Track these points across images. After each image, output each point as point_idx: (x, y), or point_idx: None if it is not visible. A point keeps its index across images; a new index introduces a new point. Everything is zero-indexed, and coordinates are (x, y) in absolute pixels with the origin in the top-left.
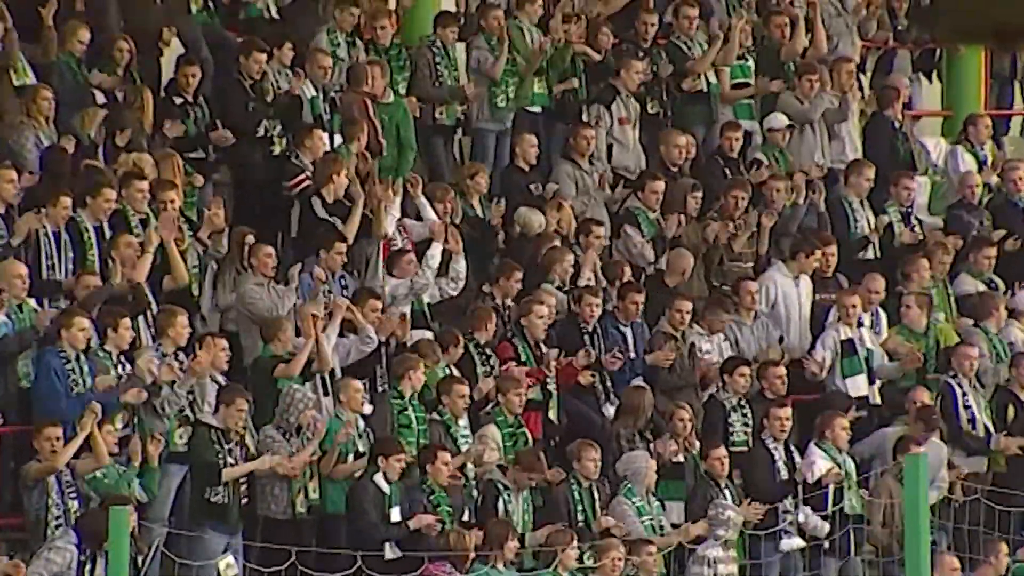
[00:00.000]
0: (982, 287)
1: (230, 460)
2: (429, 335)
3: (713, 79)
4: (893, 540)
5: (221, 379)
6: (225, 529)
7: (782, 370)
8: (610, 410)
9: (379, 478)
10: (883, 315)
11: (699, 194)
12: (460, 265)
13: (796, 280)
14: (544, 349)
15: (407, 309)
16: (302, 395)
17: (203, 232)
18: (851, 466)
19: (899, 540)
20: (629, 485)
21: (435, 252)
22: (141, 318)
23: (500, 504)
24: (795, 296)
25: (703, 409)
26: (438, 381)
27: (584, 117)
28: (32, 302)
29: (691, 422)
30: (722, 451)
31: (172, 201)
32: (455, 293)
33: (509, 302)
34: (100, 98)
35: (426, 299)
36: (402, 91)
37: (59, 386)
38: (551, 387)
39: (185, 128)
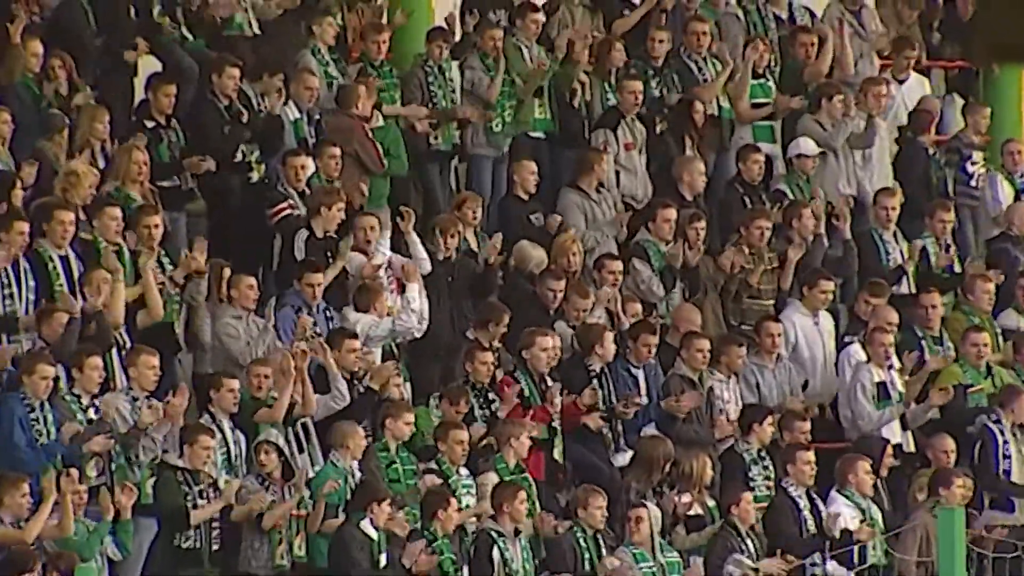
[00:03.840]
0: None
1: (200, 502)
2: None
3: (726, 103)
4: None
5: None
6: None
7: (808, 425)
8: (619, 458)
9: (366, 524)
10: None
11: (701, 224)
12: (424, 305)
13: (815, 318)
14: (550, 383)
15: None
16: (267, 437)
17: (178, 273)
18: (877, 513)
19: None
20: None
21: (413, 293)
22: (116, 357)
23: (495, 553)
24: (817, 336)
25: (719, 461)
26: (435, 427)
27: (591, 142)
28: None
29: (708, 474)
30: (749, 496)
31: (156, 226)
32: (419, 335)
33: (497, 344)
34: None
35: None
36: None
37: (22, 435)
38: (556, 424)
39: (157, 153)
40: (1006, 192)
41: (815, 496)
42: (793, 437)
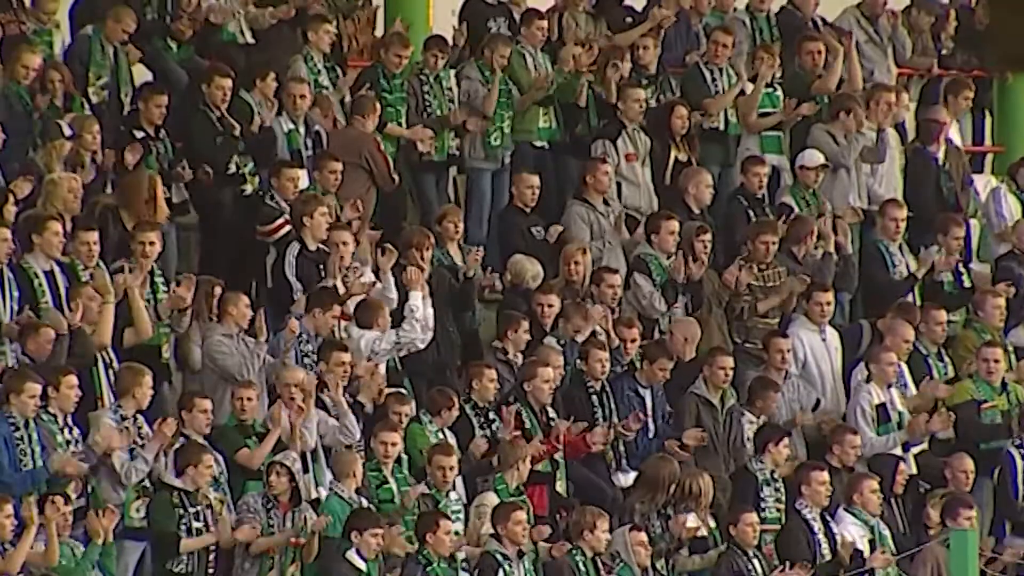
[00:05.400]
0: None
1: (196, 525)
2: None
3: (733, 118)
4: None
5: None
6: None
7: (859, 440)
8: (622, 478)
9: (352, 555)
10: (905, 369)
11: (707, 236)
12: (429, 312)
13: (823, 334)
14: (552, 413)
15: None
16: (283, 459)
17: (164, 306)
18: (886, 531)
19: None
20: (622, 563)
21: (416, 303)
22: (103, 375)
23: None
24: (824, 352)
25: (730, 480)
26: (426, 449)
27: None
28: None
29: (710, 495)
30: (753, 517)
31: (151, 243)
32: (423, 345)
33: (519, 359)
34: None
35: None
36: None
37: (5, 457)
38: (558, 457)
39: (146, 165)
40: (1012, 207)
41: (829, 519)
42: (843, 451)
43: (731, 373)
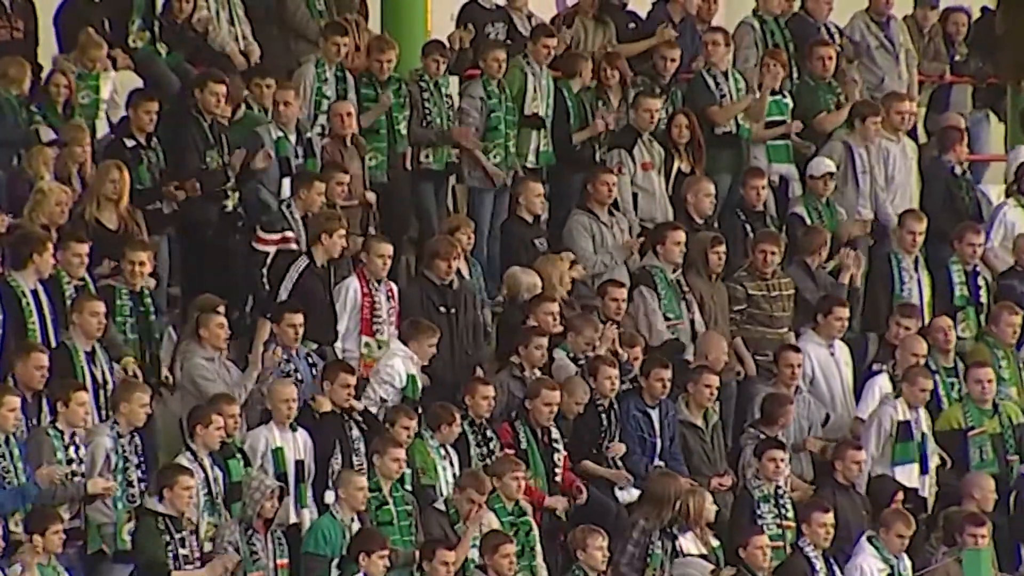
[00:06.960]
0: None
1: (182, 551)
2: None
3: (745, 123)
4: None
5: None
6: None
7: (862, 455)
8: (622, 495)
9: None
10: None
11: (721, 248)
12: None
13: (831, 348)
14: (555, 435)
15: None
16: (258, 484)
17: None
18: (906, 564)
19: None
20: None
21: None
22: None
23: None
24: (833, 367)
25: (731, 498)
26: (462, 475)
27: (600, 160)
28: None
29: (709, 511)
30: (763, 540)
31: (142, 263)
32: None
33: (531, 374)
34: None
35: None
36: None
37: None
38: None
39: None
40: (1016, 221)
41: (832, 560)
42: (846, 467)
43: (716, 391)
